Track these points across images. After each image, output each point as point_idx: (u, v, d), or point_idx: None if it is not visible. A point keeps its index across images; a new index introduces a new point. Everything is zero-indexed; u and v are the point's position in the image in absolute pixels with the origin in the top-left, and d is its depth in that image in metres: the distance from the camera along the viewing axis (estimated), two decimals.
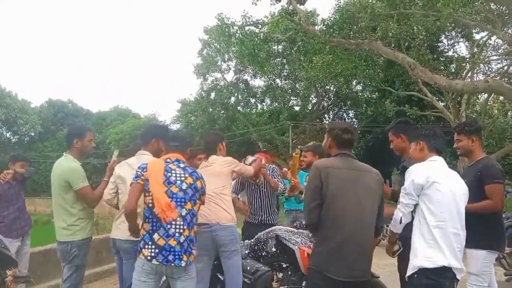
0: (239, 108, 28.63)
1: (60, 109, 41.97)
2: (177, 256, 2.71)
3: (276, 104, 27.82)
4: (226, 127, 29.20)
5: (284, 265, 3.97)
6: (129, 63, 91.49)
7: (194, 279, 2.90)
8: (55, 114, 41.53)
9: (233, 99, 28.11)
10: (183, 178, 2.83)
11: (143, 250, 2.72)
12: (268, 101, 28.46)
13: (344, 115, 27.33)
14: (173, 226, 2.73)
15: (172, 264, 2.71)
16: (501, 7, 12.63)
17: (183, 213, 2.77)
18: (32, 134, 39.38)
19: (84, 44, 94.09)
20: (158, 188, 2.73)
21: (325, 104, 27.38)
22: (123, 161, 3.61)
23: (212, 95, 27.86)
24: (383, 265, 5.41)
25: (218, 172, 3.75)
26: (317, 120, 26.45)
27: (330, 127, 2.98)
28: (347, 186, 2.67)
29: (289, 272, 3.94)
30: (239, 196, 4.76)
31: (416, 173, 2.74)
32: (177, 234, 2.73)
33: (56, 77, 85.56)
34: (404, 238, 2.96)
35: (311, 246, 3.74)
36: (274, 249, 3.96)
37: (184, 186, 2.81)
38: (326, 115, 27.63)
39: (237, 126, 28.18)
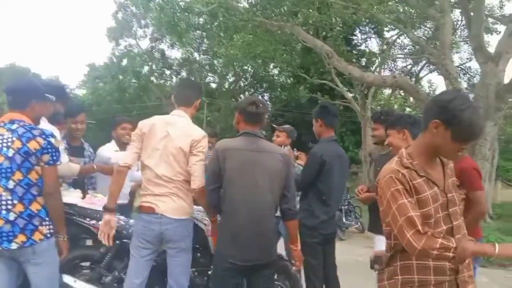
0: (152, 78, 27.38)
1: None
2: (5, 238, 2.26)
3: (193, 78, 27.12)
4: (137, 97, 27.86)
5: (194, 247, 3.80)
6: (32, 17, 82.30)
7: (52, 265, 2.43)
8: None
9: (146, 68, 26.75)
10: (9, 144, 2.32)
11: None
12: (184, 74, 27.63)
13: (260, 97, 27.70)
14: None
15: (0, 248, 2.27)
16: (411, 10, 13.60)
17: (10, 186, 2.29)
18: None
19: None
20: None
21: (242, 84, 27.44)
22: None
23: (124, 61, 26.23)
24: None
25: (183, 144, 2.74)
26: (233, 100, 26.43)
27: (239, 102, 2.95)
28: (244, 169, 2.63)
29: (199, 254, 3.77)
30: None
31: None
32: (3, 212, 2.27)
33: None
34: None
35: None
36: None
37: (10, 153, 2.31)
38: (242, 95, 27.73)
39: (149, 98, 27.03)
